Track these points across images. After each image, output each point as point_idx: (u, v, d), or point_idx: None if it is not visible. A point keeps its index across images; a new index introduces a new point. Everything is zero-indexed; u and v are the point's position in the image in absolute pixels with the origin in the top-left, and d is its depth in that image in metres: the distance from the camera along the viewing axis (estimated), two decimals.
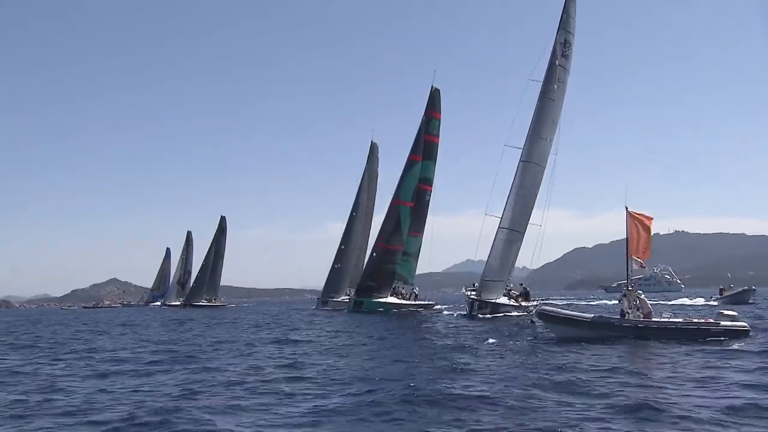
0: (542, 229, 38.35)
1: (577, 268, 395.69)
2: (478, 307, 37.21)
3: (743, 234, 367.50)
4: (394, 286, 54.74)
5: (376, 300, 50.88)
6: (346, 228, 64.89)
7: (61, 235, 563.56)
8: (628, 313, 20.58)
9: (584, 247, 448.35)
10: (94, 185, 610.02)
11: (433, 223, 55.10)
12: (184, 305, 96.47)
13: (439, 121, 54.38)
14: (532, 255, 42.33)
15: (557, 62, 40.02)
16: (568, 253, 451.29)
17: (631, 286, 20.95)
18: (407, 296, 55.42)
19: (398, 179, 53.16)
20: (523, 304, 40.43)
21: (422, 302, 55.36)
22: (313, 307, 65.77)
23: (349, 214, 65.64)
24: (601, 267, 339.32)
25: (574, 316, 21.44)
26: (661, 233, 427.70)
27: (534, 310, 41.14)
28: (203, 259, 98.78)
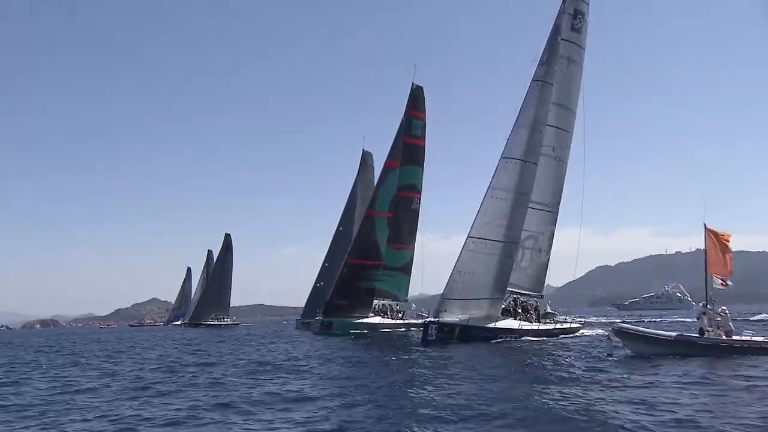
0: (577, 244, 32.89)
1: (599, 286, 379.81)
2: (438, 330, 27.93)
3: (764, 251, 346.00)
4: (381, 304, 46.50)
5: (350, 320, 42.41)
6: (331, 244, 56.36)
7: (105, 257, 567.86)
8: (708, 332, 19.13)
9: (607, 266, 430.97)
10: (135, 210, 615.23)
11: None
12: (188, 325, 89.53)
13: (423, 121, 45.90)
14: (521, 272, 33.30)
15: (561, 38, 31.28)
16: (591, 271, 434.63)
17: (710, 305, 19.52)
18: (399, 315, 47.24)
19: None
20: (535, 326, 31.63)
21: (411, 321, 46.72)
22: (297, 328, 57.36)
23: (335, 229, 57.22)
24: (623, 285, 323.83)
25: (655, 334, 20.08)
26: (683, 251, 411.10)
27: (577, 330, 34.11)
28: (209, 277, 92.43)
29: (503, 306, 32.24)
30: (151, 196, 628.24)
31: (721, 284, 19.60)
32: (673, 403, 11.21)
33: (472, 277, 28.80)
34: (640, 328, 21.13)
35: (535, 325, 32.04)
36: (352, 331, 41.15)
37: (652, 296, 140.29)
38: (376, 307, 46.26)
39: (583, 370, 16.36)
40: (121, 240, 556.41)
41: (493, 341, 28.49)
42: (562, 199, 34.00)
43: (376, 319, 44.84)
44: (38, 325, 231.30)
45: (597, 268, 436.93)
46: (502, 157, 29.41)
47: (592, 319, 63.49)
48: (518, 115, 29.64)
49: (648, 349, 19.07)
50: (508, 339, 29.38)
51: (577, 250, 34.87)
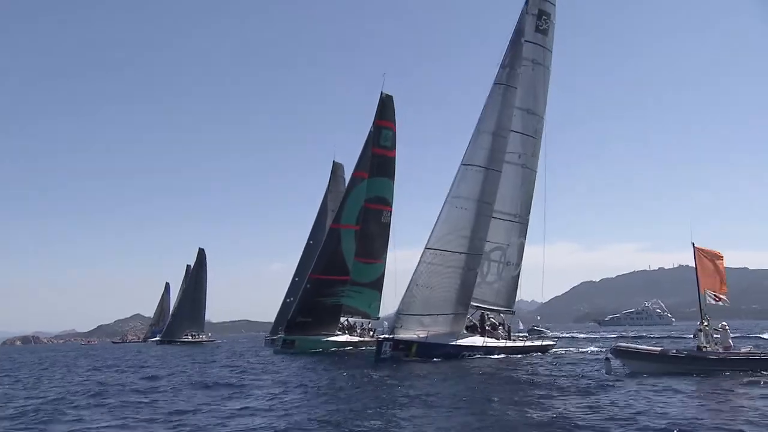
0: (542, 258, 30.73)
1: (584, 301, 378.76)
2: (392, 348, 25.77)
3: (746, 268, 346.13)
4: (348, 321, 44.17)
5: (313, 338, 40.07)
6: (301, 258, 54.11)
7: (87, 273, 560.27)
8: (706, 347, 18.88)
9: (591, 281, 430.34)
10: (119, 225, 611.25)
11: None
12: (160, 342, 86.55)
13: (393, 131, 43.94)
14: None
15: (524, 39, 29.55)
16: (575, 286, 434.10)
17: (707, 321, 19.18)
18: (371, 333, 44.91)
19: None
20: (502, 343, 29.41)
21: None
22: (266, 345, 54.92)
23: (306, 243, 55.00)
24: (607, 300, 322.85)
25: (654, 351, 19.81)
26: (666, 267, 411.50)
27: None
28: (181, 293, 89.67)
29: (468, 322, 30.37)
30: (135, 211, 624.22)
31: (715, 299, 19.38)
32: (678, 421, 10.74)
33: (430, 291, 26.68)
34: (638, 346, 20.92)
35: (502, 342, 29.99)
36: (316, 349, 38.91)
37: (632, 312, 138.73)
38: (344, 323, 43.98)
39: (577, 389, 15.42)
40: (105, 255, 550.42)
41: (454, 360, 26.45)
42: (545, 214, 32.45)
43: (344, 337, 42.54)
44: (19, 342, 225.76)
45: (582, 283, 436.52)
46: (462, 164, 27.41)
47: (572, 335, 62.02)
48: (479, 120, 27.70)
49: (647, 367, 18.70)
50: (471, 357, 27.33)
51: (551, 264, 33.18)
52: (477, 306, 30.47)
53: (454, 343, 27.29)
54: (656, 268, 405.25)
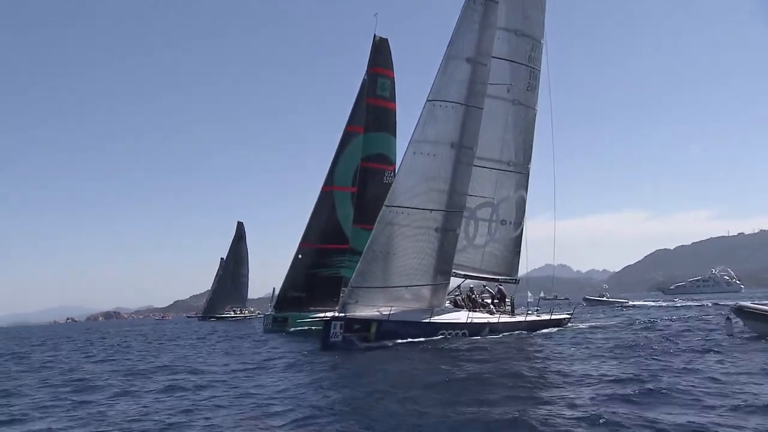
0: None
1: (658, 269, 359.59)
2: (344, 329, 20.53)
3: None
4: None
5: (308, 315, 35.43)
6: None
7: (164, 252, 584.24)
8: None
9: (666, 249, 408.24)
10: (188, 209, 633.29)
11: None
12: (201, 317, 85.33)
13: (392, 80, 37.92)
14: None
15: None
16: (649, 254, 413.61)
17: None
18: None
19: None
20: (494, 318, 23.83)
21: None
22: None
23: None
24: (683, 268, 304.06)
25: None
26: (746, 232, 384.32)
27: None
28: (221, 268, 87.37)
29: (455, 295, 24.91)
30: (208, 192, 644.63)
31: None
32: None
33: (393, 258, 21.15)
34: (764, 306, 19.04)
35: (494, 318, 24.18)
36: (313, 328, 34.34)
37: (698, 280, 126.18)
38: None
39: None
40: (179, 235, 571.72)
41: (427, 341, 21.04)
42: (554, 168, 26.47)
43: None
44: (101, 318, 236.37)
45: (656, 251, 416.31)
46: (427, 100, 21.32)
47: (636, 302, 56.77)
48: (450, 43, 21.40)
49: None
50: (449, 336, 21.85)
51: (621, 232, 27.31)
52: (464, 275, 24.83)
53: (427, 320, 21.80)
54: (735, 234, 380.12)
